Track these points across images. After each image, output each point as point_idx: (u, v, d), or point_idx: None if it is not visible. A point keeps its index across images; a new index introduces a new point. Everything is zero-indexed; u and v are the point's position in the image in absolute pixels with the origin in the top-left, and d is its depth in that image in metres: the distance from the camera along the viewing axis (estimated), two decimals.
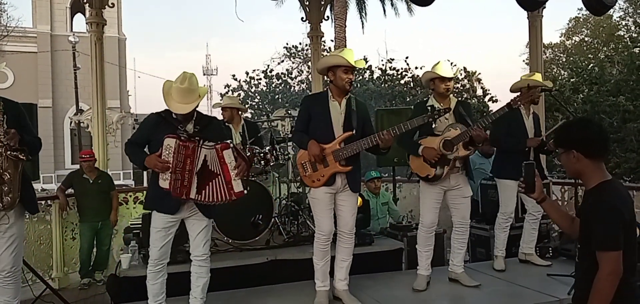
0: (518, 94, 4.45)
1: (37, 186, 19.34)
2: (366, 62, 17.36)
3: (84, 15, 26.16)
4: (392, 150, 5.39)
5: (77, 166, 6.04)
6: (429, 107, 3.93)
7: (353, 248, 3.87)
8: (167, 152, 3.25)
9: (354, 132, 3.68)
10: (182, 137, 3.29)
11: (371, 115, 4.65)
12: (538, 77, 4.79)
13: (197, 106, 3.43)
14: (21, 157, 3.11)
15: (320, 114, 3.72)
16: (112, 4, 6.37)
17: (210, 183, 3.33)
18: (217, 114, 7.13)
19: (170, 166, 3.25)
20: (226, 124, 5.56)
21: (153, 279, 3.48)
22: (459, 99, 4.34)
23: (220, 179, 3.34)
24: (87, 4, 6.32)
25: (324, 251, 3.75)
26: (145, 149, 3.47)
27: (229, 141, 3.47)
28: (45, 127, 25.51)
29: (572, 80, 14.90)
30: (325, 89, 3.97)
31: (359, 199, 5.42)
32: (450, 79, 4.09)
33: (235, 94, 17.40)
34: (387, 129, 3.69)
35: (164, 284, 3.53)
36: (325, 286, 3.82)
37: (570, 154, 2.23)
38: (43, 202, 5.79)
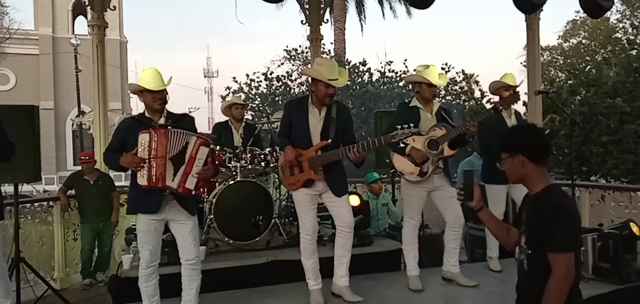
0: (498, 97, 4.55)
1: (38, 187, 19.41)
2: (365, 64, 17.40)
3: (86, 17, 26.21)
4: (387, 152, 5.45)
5: (79, 168, 6.08)
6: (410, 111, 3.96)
7: (351, 244, 3.91)
8: (142, 148, 3.28)
9: (330, 141, 3.71)
10: (152, 127, 3.32)
11: (371, 117, 4.69)
12: (510, 77, 4.80)
13: (166, 91, 3.46)
14: None
15: (300, 121, 3.77)
16: (113, 6, 6.42)
17: (178, 171, 3.34)
18: (220, 116, 7.16)
19: (146, 160, 3.27)
20: (230, 124, 5.64)
21: (145, 282, 3.50)
22: (441, 104, 4.39)
23: (182, 169, 3.34)
24: (89, 7, 6.36)
25: (311, 250, 3.81)
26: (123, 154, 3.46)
27: (210, 141, 3.50)
28: (47, 129, 25.55)
29: (569, 82, 14.93)
30: (307, 93, 4.00)
31: (358, 199, 5.49)
32: (437, 86, 4.15)
33: (237, 95, 17.39)
34: (356, 144, 3.69)
35: (157, 285, 3.55)
36: (318, 284, 3.86)
37: (515, 158, 2.26)
38: (45, 203, 5.84)
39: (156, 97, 3.41)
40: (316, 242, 3.86)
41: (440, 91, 16.86)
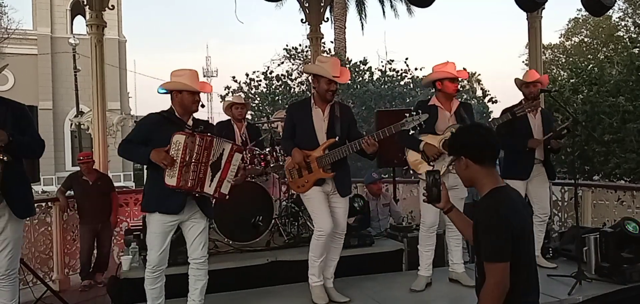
0: (520, 102, 4.56)
1: (37, 187, 19.38)
2: (366, 63, 17.37)
3: (84, 17, 26.14)
4: (392, 151, 5.41)
5: (78, 168, 6.04)
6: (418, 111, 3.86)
7: (341, 247, 3.97)
8: (176, 148, 3.25)
9: (337, 138, 3.71)
10: (194, 133, 3.32)
11: (371, 116, 4.67)
12: (532, 74, 4.78)
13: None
14: None
15: (304, 122, 3.77)
16: (112, 6, 6.38)
17: (214, 177, 3.38)
18: (218, 116, 7.12)
19: (178, 161, 3.24)
20: (232, 124, 5.61)
21: (151, 284, 3.45)
22: (461, 101, 4.35)
23: (218, 175, 3.38)
24: (87, 6, 6.33)
25: (323, 248, 3.78)
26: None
27: (242, 148, 3.54)
28: (46, 129, 25.51)
29: (571, 81, 14.88)
30: (309, 95, 4.00)
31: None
32: (459, 80, 4.13)
33: (237, 94, 17.34)
34: (371, 134, 3.69)
35: (162, 288, 3.51)
36: (321, 280, 3.87)
37: (460, 161, 2.15)
38: (43, 204, 5.80)
39: (196, 99, 3.41)
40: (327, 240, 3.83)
41: None
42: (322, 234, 3.73)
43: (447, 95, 4.11)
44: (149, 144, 3.35)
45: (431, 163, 4.01)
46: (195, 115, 3.53)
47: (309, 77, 3.95)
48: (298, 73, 17.71)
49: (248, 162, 5.06)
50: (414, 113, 3.68)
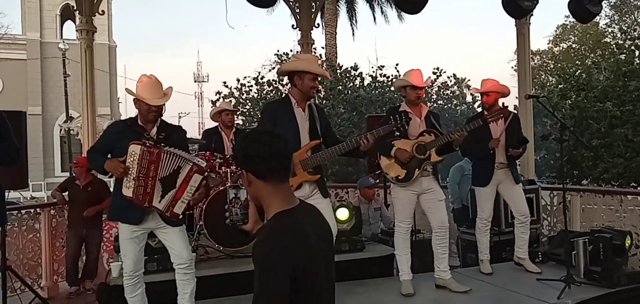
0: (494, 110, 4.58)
1: (26, 193, 19.18)
2: (356, 69, 17.43)
3: (74, 22, 26.03)
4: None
5: (67, 174, 5.99)
6: (403, 113, 3.94)
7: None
8: (132, 159, 3.19)
9: (321, 140, 3.67)
10: (147, 143, 3.23)
11: (362, 121, 4.70)
12: (485, 83, 4.76)
13: (164, 105, 3.37)
14: None
15: (287, 122, 3.59)
16: (102, 11, 6.36)
17: (166, 194, 3.26)
18: (210, 121, 7.10)
19: (133, 172, 3.18)
20: (220, 130, 5.59)
21: (131, 292, 3.43)
22: (430, 108, 4.43)
23: (171, 193, 3.26)
24: (77, 11, 6.29)
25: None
26: (108, 156, 3.38)
27: (206, 168, 3.42)
28: (35, 134, 25.27)
29: (560, 86, 15.06)
30: (284, 95, 3.95)
31: (347, 211, 5.43)
32: (421, 88, 4.17)
33: (227, 100, 17.34)
34: (368, 133, 3.70)
35: (144, 294, 3.49)
36: None
37: (242, 176, 1.70)
38: (32, 210, 5.74)
39: (152, 109, 3.33)
40: None
41: (432, 95, 16.93)
42: None
43: (411, 102, 4.20)
44: (113, 152, 3.33)
45: (404, 167, 4.07)
46: (165, 116, 3.48)
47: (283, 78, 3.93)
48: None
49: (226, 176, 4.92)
50: (397, 118, 3.77)
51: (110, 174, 3.35)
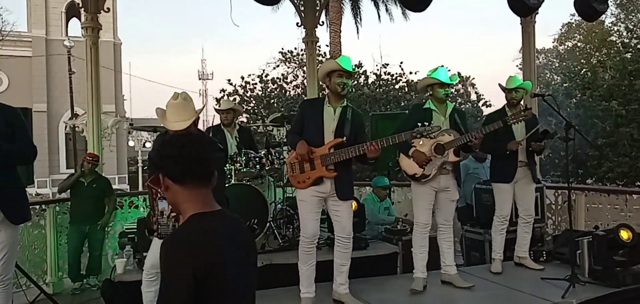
0: (503, 107, 4.66)
1: (31, 190, 19.26)
2: (361, 67, 17.42)
3: (79, 19, 26.09)
4: (388, 155, 5.44)
5: (72, 171, 6.01)
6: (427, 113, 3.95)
7: (350, 252, 3.88)
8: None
9: (344, 139, 3.70)
10: None
11: (366, 120, 4.70)
12: (513, 80, 4.77)
13: (191, 123, 3.30)
14: None
15: (313, 118, 3.78)
16: (107, 8, 6.38)
17: None
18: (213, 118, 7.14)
19: None
20: (223, 128, 5.59)
21: (148, 287, 3.45)
22: (455, 105, 4.42)
23: None
24: (83, 9, 6.31)
25: (308, 255, 3.76)
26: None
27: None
28: (40, 131, 25.37)
29: (565, 85, 15.03)
30: (323, 94, 4.04)
31: (354, 203, 5.45)
32: (449, 84, 4.16)
33: (231, 98, 17.39)
34: (376, 140, 3.73)
35: (157, 292, 3.51)
36: (310, 293, 3.80)
37: (161, 180, 1.67)
38: (37, 207, 5.77)
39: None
40: (315, 248, 3.82)
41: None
42: (304, 239, 3.73)
43: (438, 99, 4.20)
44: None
45: (420, 168, 4.09)
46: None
47: (305, 81, 4.00)
48: (293, 76, 17.74)
49: (243, 165, 5.06)
50: (426, 124, 3.76)
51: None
